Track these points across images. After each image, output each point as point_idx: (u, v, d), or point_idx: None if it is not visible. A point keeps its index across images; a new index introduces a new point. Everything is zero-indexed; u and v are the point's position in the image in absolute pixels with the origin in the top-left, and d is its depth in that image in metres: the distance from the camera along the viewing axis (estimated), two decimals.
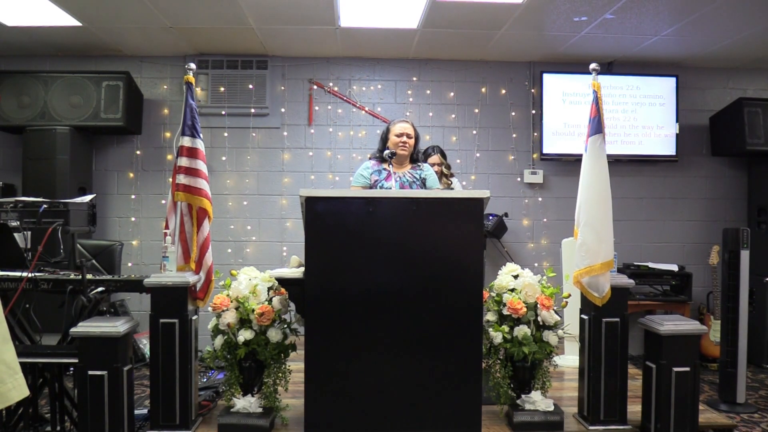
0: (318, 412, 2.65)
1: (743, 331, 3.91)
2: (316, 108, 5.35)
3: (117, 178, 5.29)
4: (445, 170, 4.39)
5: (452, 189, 4.33)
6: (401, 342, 2.67)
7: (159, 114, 5.30)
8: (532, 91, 5.43)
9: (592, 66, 3.00)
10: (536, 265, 5.27)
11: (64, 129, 4.78)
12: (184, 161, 2.90)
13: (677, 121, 5.36)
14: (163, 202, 5.16)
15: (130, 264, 5.18)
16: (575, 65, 5.21)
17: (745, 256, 3.92)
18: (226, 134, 5.28)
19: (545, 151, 5.31)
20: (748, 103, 5.15)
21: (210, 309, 2.87)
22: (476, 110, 5.41)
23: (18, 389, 1.25)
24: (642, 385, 2.91)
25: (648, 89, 5.34)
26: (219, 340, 2.84)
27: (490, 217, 5.00)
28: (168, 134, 5.28)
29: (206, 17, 4.36)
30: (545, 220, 5.41)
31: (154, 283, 2.75)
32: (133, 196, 5.27)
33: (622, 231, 5.11)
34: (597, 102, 2.93)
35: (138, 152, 5.28)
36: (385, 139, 3.61)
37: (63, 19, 4.32)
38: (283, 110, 5.33)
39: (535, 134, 5.41)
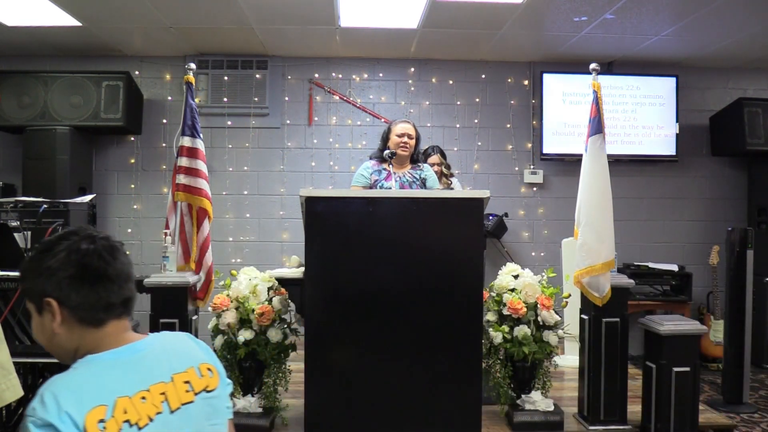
0: (318, 412, 2.65)
1: (749, 331, 3.91)
2: (316, 108, 5.35)
3: (117, 178, 5.29)
4: (444, 170, 4.39)
5: (452, 189, 4.33)
6: (401, 342, 2.67)
7: (159, 114, 5.29)
8: (532, 91, 5.43)
9: (592, 66, 3.01)
10: (536, 265, 5.26)
11: (64, 129, 4.77)
12: (184, 161, 2.90)
13: (677, 121, 5.35)
14: (164, 202, 5.15)
15: None
16: (575, 65, 5.20)
17: (750, 256, 3.92)
18: (226, 134, 5.29)
19: (545, 151, 5.30)
20: (748, 103, 5.14)
21: (210, 309, 2.87)
22: (476, 110, 5.41)
23: (12, 390, 1.25)
24: (642, 385, 2.92)
25: (648, 89, 5.34)
26: (219, 340, 2.84)
27: (490, 217, 4.99)
28: (168, 134, 5.27)
29: (206, 17, 4.36)
30: (545, 220, 5.41)
31: (154, 283, 2.75)
32: (133, 196, 5.27)
33: (622, 231, 5.09)
34: (597, 102, 2.93)
35: (138, 152, 5.28)
36: (386, 138, 3.59)
37: (63, 19, 4.31)
38: (283, 110, 5.33)
39: (535, 134, 5.41)
